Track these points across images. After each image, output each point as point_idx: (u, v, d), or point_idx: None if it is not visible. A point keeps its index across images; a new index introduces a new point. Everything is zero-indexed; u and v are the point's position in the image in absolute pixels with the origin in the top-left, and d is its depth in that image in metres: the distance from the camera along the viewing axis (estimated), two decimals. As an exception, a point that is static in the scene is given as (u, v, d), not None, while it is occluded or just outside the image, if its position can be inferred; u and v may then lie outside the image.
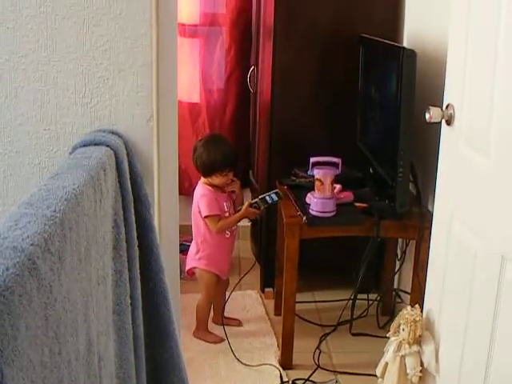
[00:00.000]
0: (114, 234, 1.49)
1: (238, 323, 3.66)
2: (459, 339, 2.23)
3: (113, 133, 1.62)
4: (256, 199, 3.41)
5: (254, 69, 4.32)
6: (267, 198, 3.37)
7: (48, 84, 1.64)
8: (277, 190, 3.39)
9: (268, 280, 4.03)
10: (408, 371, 2.49)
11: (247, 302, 3.98)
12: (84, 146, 1.51)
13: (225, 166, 3.40)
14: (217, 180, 3.42)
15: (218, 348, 3.44)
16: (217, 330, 3.59)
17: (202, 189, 3.45)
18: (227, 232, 3.47)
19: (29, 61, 1.62)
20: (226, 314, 3.64)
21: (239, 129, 4.80)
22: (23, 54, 1.62)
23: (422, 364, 2.48)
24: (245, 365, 3.26)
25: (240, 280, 3.76)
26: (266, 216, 3.93)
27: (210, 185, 3.43)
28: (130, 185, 1.57)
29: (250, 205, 3.38)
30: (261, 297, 4.06)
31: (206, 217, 3.40)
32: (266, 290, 4.07)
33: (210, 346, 3.46)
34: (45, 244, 0.96)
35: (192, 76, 4.73)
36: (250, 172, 4.63)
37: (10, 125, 1.65)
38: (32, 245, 0.92)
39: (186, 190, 4.54)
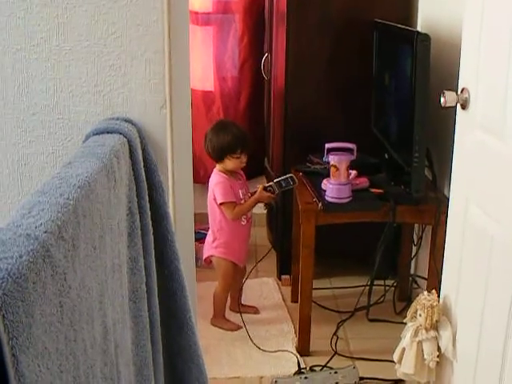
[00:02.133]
0: (129, 222, 1.49)
1: (255, 311, 3.67)
2: (476, 324, 2.22)
3: (126, 120, 1.62)
4: (271, 183, 3.40)
5: (267, 56, 4.31)
6: (282, 182, 3.36)
7: (60, 73, 1.64)
8: (291, 175, 3.37)
9: (284, 267, 4.03)
10: (425, 356, 2.48)
11: (264, 289, 3.98)
12: (97, 134, 1.51)
13: (235, 147, 3.39)
14: (230, 164, 3.42)
15: (234, 335, 3.44)
16: (234, 317, 3.60)
17: (217, 176, 3.45)
18: (243, 219, 3.47)
19: (40, 50, 1.62)
20: (242, 302, 3.65)
21: (254, 116, 4.79)
22: (35, 43, 1.62)
23: (439, 349, 2.48)
24: (262, 351, 3.27)
25: (254, 267, 3.76)
26: (281, 203, 3.93)
27: (225, 172, 3.43)
28: (143, 172, 1.57)
29: (265, 188, 3.38)
30: (277, 284, 4.07)
31: (221, 204, 3.40)
32: (283, 276, 4.07)
33: (226, 333, 3.47)
34: (58, 231, 0.96)
35: (206, 64, 4.72)
36: (266, 159, 4.62)
37: (23, 114, 1.66)
38: (46, 232, 0.92)
39: (201, 178, 4.55)
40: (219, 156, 3.42)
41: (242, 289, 3.66)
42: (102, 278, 1.20)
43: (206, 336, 3.37)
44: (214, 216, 3.48)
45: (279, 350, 3.27)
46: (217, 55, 4.71)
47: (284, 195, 3.78)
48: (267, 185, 3.40)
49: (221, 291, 3.55)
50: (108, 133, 1.51)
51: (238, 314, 3.56)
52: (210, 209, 3.49)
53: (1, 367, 0.74)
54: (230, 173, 3.44)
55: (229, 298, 3.65)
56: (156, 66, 1.66)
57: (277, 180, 3.39)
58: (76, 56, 1.63)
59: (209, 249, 3.53)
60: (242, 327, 3.49)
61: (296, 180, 3.34)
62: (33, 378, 0.81)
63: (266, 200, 3.48)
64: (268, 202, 3.54)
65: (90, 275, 1.12)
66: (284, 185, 3.35)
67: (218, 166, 3.48)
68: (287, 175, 3.38)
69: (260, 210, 4.03)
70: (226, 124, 3.58)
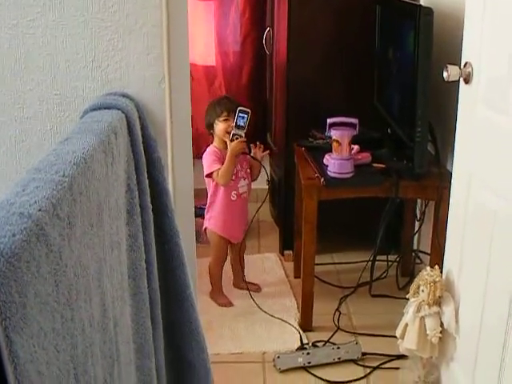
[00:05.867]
0: (128, 199, 1.47)
1: (257, 288, 3.66)
2: (479, 299, 2.21)
3: (124, 96, 1.60)
4: (232, 131, 3.33)
5: (269, 30, 4.27)
6: (239, 122, 3.30)
7: (57, 48, 1.62)
8: (239, 108, 3.32)
9: (287, 242, 4.02)
10: (428, 332, 2.48)
11: (267, 264, 3.98)
12: (94, 109, 1.49)
13: (220, 111, 3.42)
14: (218, 127, 3.43)
15: (237, 311, 3.45)
16: (236, 292, 3.61)
17: (207, 149, 3.45)
18: (233, 195, 3.46)
19: (37, 25, 1.60)
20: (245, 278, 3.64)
21: (256, 91, 4.77)
22: (31, 18, 1.59)
23: (441, 325, 2.47)
24: (265, 327, 3.27)
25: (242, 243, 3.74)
26: (283, 178, 3.92)
27: (218, 147, 3.44)
28: (142, 148, 1.55)
29: (231, 140, 3.32)
30: (280, 259, 4.06)
31: (206, 176, 3.42)
32: (286, 252, 4.07)
33: (229, 309, 3.48)
34: (53, 209, 0.94)
35: (207, 39, 4.69)
36: (268, 134, 4.60)
37: (20, 91, 1.64)
38: (40, 210, 0.90)
39: (203, 154, 4.53)
40: (209, 123, 3.48)
41: (243, 265, 3.65)
42: (99, 256, 1.18)
43: (209, 312, 3.38)
44: (208, 188, 3.52)
45: (282, 326, 3.27)
46: (218, 30, 4.67)
47: (286, 172, 3.78)
48: (231, 136, 3.33)
49: (212, 264, 3.58)
50: (105, 108, 1.49)
51: (241, 289, 3.59)
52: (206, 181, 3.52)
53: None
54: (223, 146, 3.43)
55: (228, 273, 3.67)
56: (154, 40, 1.63)
57: (234, 125, 3.32)
58: (73, 31, 1.61)
59: (205, 220, 3.55)
60: (233, 305, 3.52)
61: (246, 109, 3.32)
62: (28, 359, 0.80)
63: (238, 148, 3.35)
64: (243, 151, 3.41)
65: (88, 253, 1.10)
66: (241, 123, 3.30)
67: (213, 142, 3.48)
68: (236, 113, 3.32)
69: (262, 185, 4.01)
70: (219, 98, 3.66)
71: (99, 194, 1.20)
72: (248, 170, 3.51)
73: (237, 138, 3.31)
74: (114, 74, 1.64)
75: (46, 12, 1.59)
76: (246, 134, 3.33)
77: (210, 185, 3.49)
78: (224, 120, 3.39)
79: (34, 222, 0.87)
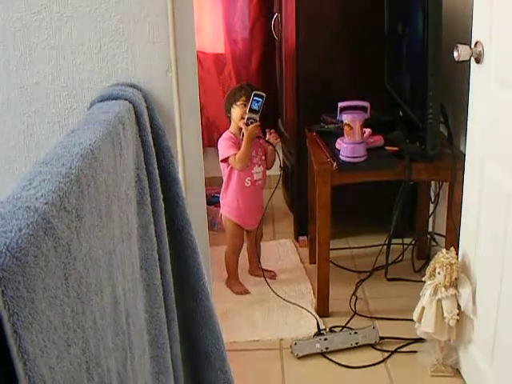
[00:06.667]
0: (138, 189, 1.46)
1: (272, 275, 3.65)
2: (496, 280, 2.20)
3: (131, 86, 1.59)
4: (245, 115, 3.32)
5: (277, 16, 4.25)
6: (253, 105, 3.28)
7: (62, 40, 1.61)
8: (254, 92, 3.30)
9: (301, 228, 4.02)
10: (445, 315, 2.47)
11: (282, 251, 3.98)
12: (102, 101, 1.48)
13: (239, 95, 3.40)
14: (235, 112, 3.41)
15: (253, 299, 3.44)
16: (252, 280, 3.61)
17: (223, 135, 3.46)
18: (247, 181, 3.44)
19: (41, 17, 1.59)
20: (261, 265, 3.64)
21: (266, 77, 4.75)
22: (35, 10, 1.58)
23: (458, 307, 2.46)
24: (281, 314, 3.26)
25: (258, 227, 3.73)
26: (296, 164, 3.91)
27: (234, 133, 3.43)
28: (151, 138, 1.54)
29: (246, 124, 3.32)
30: (295, 245, 4.06)
31: (221, 161, 3.41)
32: (300, 238, 4.06)
33: (246, 297, 3.47)
34: (60, 202, 0.93)
35: (215, 26, 4.67)
36: (279, 120, 4.59)
37: (26, 84, 1.63)
38: (46, 204, 0.89)
39: (215, 142, 4.52)
40: (228, 107, 3.46)
41: (259, 252, 3.64)
42: (109, 248, 1.17)
43: (226, 300, 3.38)
44: (223, 174, 3.50)
45: (298, 312, 3.26)
46: (226, 17, 4.65)
47: (298, 157, 3.77)
48: (245, 120, 3.32)
49: (228, 251, 3.58)
50: (113, 99, 1.48)
51: (257, 276, 3.60)
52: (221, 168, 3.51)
53: (3, 344, 0.72)
54: (239, 133, 3.41)
55: (246, 260, 3.67)
56: (160, 29, 1.62)
57: (248, 109, 3.31)
58: (77, 23, 1.60)
59: (221, 207, 3.56)
60: (249, 292, 3.52)
61: (261, 93, 3.29)
62: (37, 354, 0.79)
63: (254, 132, 3.34)
64: (258, 135, 3.39)
65: (97, 245, 1.09)
66: (256, 107, 3.28)
67: (230, 128, 3.47)
68: (251, 96, 3.29)
69: (275, 171, 4.00)
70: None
71: (108, 185, 1.19)
72: (263, 157, 3.50)
73: (251, 122, 3.29)
74: (121, 65, 1.63)
75: (50, 4, 1.58)
76: (259, 118, 3.31)
77: (224, 170, 3.47)
78: (241, 105, 3.37)
79: (41, 216, 0.86)
